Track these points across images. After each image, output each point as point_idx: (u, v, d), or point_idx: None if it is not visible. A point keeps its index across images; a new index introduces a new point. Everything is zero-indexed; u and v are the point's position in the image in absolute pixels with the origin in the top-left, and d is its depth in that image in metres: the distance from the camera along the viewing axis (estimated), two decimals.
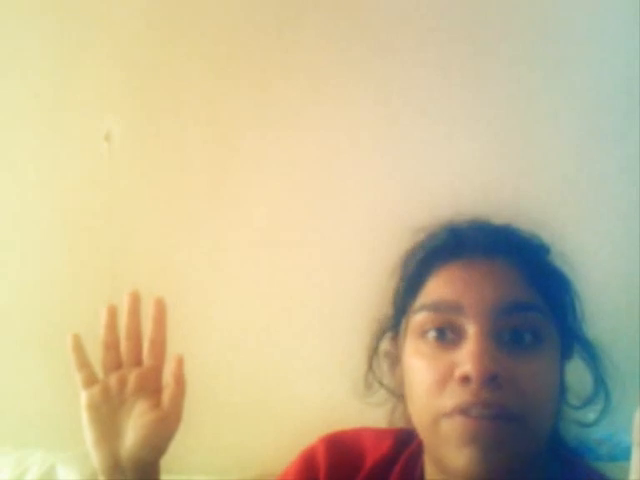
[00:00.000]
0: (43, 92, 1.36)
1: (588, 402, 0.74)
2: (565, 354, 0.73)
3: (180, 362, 0.79)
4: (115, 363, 0.79)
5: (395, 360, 0.76)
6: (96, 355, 1.26)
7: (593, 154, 1.23)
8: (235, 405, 1.28)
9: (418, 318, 0.71)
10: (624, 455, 1.00)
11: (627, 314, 1.13)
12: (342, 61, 1.29)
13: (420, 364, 0.69)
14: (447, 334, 0.68)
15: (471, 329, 0.67)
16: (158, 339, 0.80)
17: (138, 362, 0.79)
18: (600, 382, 0.74)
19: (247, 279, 1.30)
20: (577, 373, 0.76)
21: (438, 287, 0.71)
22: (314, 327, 1.26)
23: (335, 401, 1.14)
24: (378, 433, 0.84)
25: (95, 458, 0.76)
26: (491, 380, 0.64)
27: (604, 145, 1.23)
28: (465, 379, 0.65)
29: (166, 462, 1.19)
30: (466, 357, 0.65)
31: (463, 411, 0.65)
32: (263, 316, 1.29)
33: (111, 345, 0.79)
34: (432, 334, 0.69)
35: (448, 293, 0.70)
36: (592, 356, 0.75)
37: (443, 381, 0.67)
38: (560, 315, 0.72)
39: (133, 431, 0.75)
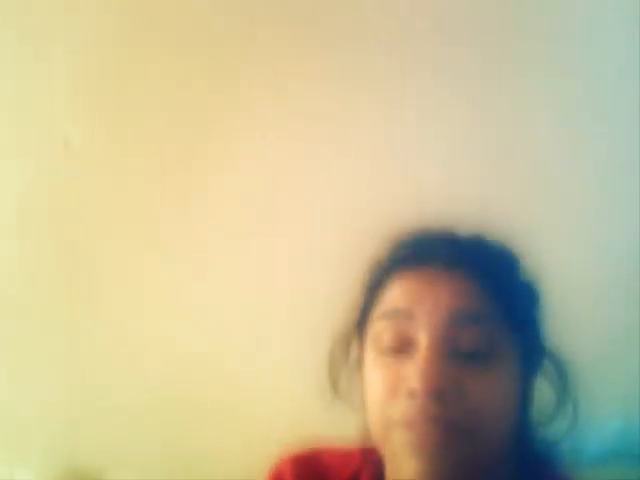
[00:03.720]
0: (8, 74, 1.32)
1: (553, 418, 0.73)
2: (531, 369, 0.73)
3: None
4: None
5: (359, 367, 0.76)
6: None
7: (588, 157, 1.22)
8: (200, 407, 1.25)
9: (375, 327, 0.72)
10: (591, 461, 1.01)
11: (593, 318, 1.14)
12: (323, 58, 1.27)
13: (375, 374, 0.70)
14: (402, 345, 0.69)
15: (422, 340, 0.67)
16: None
17: None
18: (567, 396, 0.73)
19: (215, 278, 1.28)
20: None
21: (394, 295, 0.71)
22: (282, 328, 1.24)
23: (304, 403, 1.12)
24: (344, 451, 0.83)
25: None
26: (437, 396, 0.64)
27: (601, 149, 1.22)
28: (412, 394, 0.65)
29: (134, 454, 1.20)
30: (413, 372, 0.65)
31: (409, 425, 0.65)
32: (231, 316, 1.27)
33: None
34: (387, 344, 0.69)
35: (401, 301, 0.70)
36: (559, 371, 0.74)
37: (394, 392, 0.67)
38: (523, 330, 0.71)
39: None
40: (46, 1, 1.32)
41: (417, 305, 0.68)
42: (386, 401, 0.67)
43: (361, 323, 0.75)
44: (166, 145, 1.30)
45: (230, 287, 1.28)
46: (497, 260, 0.73)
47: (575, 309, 1.04)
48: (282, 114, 1.27)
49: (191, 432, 1.25)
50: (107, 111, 1.32)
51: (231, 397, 1.25)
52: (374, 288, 0.74)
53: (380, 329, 0.70)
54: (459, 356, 0.66)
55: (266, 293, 1.26)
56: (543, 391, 0.73)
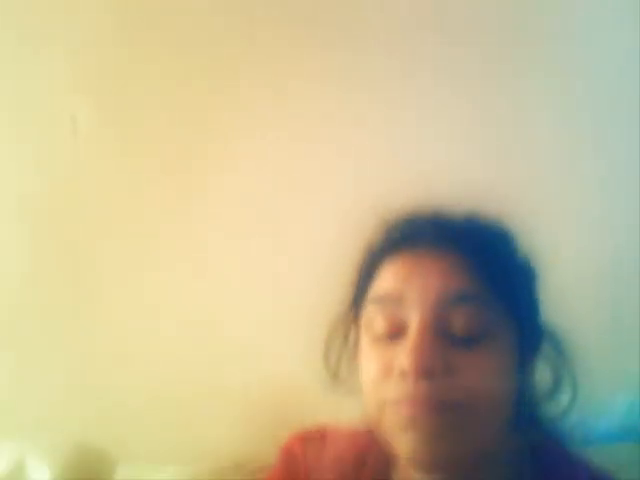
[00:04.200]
0: (8, 74, 1.33)
1: (551, 395, 0.72)
2: (529, 348, 0.72)
3: None
4: None
5: (356, 351, 0.76)
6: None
7: (588, 157, 1.23)
8: (205, 395, 1.25)
9: (368, 312, 0.71)
10: (599, 440, 1.02)
11: (597, 301, 1.15)
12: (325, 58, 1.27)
13: (369, 357, 0.70)
14: (394, 328, 0.69)
15: (413, 322, 0.66)
16: None
17: None
18: (565, 374, 0.72)
19: (215, 278, 1.28)
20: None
21: (384, 280, 0.70)
22: (282, 328, 1.24)
23: (304, 404, 1.13)
24: (352, 432, 0.82)
25: None
26: (427, 375, 0.64)
27: (601, 149, 1.23)
28: (403, 374, 0.65)
29: (139, 452, 1.20)
30: (404, 352, 0.65)
31: (400, 404, 0.65)
32: (231, 315, 1.27)
33: None
34: (380, 328, 0.69)
35: (392, 285, 0.69)
36: (557, 348, 0.73)
37: (387, 372, 0.67)
38: (519, 309, 0.70)
39: None
40: (46, 1, 1.32)
41: (406, 288, 0.68)
42: (379, 383, 0.67)
43: (356, 308, 0.75)
44: (166, 145, 1.30)
45: (230, 287, 1.28)
46: (490, 239, 0.72)
47: (580, 288, 1.05)
48: (282, 114, 1.28)
49: (191, 432, 1.25)
50: (107, 111, 1.32)
51: (231, 397, 1.25)
52: (367, 273, 0.73)
53: (372, 314, 0.70)
54: (451, 336, 0.66)
55: (266, 293, 1.27)
56: (544, 370, 0.73)
